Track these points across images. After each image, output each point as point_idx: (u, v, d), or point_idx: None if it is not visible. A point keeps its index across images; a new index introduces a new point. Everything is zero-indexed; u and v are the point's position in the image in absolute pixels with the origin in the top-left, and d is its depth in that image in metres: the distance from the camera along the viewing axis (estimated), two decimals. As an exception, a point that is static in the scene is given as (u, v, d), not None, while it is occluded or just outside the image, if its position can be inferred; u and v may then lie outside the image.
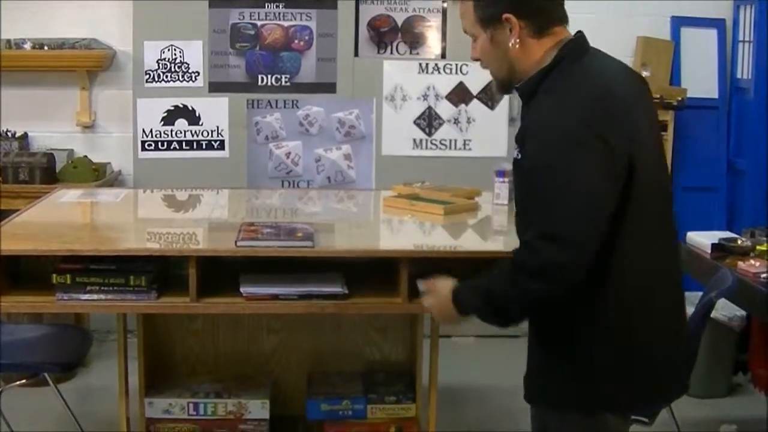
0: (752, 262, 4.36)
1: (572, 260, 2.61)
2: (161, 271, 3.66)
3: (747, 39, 6.40)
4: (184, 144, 6.20)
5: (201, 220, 4.57)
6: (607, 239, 2.65)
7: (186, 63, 6.13)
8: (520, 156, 2.82)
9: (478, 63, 2.96)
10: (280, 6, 6.17)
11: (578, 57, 2.79)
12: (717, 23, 6.58)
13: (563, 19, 2.85)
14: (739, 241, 4.70)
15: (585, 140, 2.60)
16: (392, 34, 6.27)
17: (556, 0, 2.86)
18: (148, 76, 6.13)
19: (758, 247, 4.56)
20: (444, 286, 3.01)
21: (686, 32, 6.51)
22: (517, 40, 2.79)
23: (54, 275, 3.55)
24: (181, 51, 6.12)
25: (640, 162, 2.67)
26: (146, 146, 6.17)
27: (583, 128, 2.61)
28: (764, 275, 4.19)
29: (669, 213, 2.88)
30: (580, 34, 2.86)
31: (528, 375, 2.97)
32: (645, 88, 2.94)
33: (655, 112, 2.97)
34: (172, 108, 6.16)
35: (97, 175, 5.98)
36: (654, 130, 2.89)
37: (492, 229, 4.54)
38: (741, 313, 5.30)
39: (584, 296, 2.69)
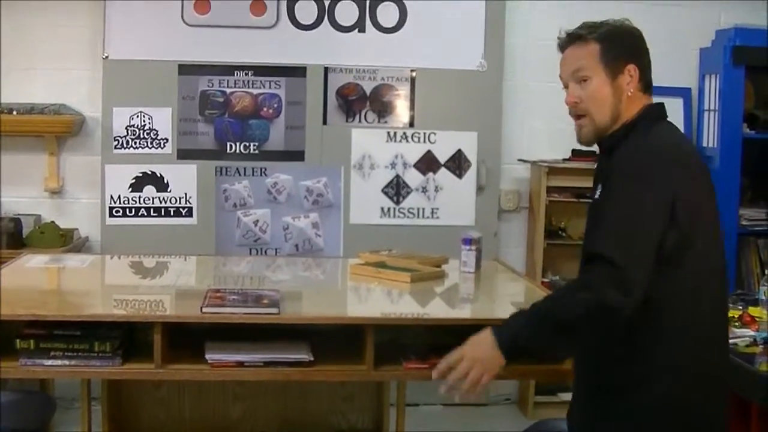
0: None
1: (629, 305, 2.72)
2: (126, 337, 3.63)
3: (712, 108, 6.47)
4: (152, 210, 6.19)
5: (168, 286, 4.55)
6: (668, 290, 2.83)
7: (155, 129, 6.15)
8: (598, 196, 2.99)
9: (571, 108, 3.11)
10: (249, 74, 6.21)
11: (657, 120, 3.06)
12: (683, 92, 6.65)
13: (651, 86, 3.11)
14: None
15: (646, 185, 2.81)
16: (361, 103, 6.31)
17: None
18: (116, 142, 6.13)
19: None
20: (476, 338, 3.00)
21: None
22: (632, 89, 3.02)
23: (18, 340, 3.52)
24: (150, 117, 6.14)
25: (700, 224, 2.87)
26: (114, 212, 6.16)
27: (646, 175, 2.82)
28: (731, 341, 4.19)
29: (720, 273, 3.03)
30: (662, 104, 3.12)
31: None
32: (707, 166, 3.11)
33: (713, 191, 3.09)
34: (141, 174, 6.17)
35: (64, 240, 5.96)
36: (714, 199, 3.03)
37: (459, 296, 4.54)
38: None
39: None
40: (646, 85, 3.06)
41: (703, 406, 2.92)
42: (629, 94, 3.00)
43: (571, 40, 3.08)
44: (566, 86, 3.11)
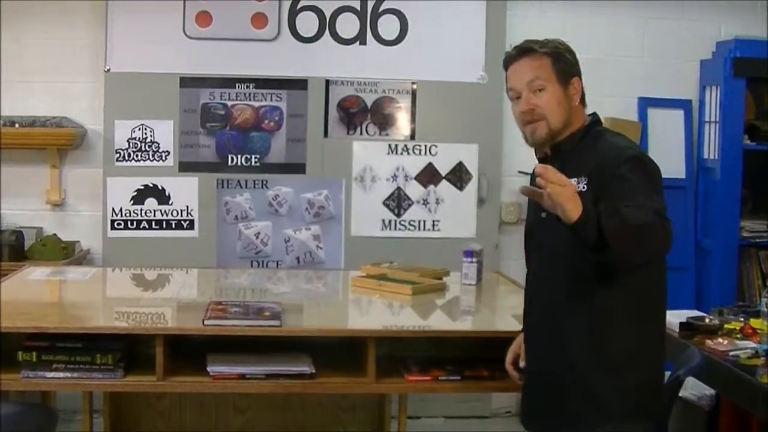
0: (720, 340, 4.37)
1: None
2: (128, 349, 3.65)
3: (713, 119, 6.47)
4: (153, 223, 6.19)
5: (169, 299, 4.56)
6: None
7: (156, 142, 6.15)
8: (586, 188, 3.11)
9: (527, 114, 3.28)
10: (251, 86, 6.21)
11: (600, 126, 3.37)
12: (683, 104, 6.65)
13: None
14: (707, 320, 4.72)
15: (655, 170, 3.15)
16: (362, 115, 6.31)
17: None
18: (118, 155, 6.14)
19: (726, 326, 4.57)
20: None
21: (653, 113, 6.58)
22: (576, 101, 3.29)
23: (20, 353, 3.53)
24: (152, 130, 6.15)
25: None
26: (116, 225, 6.16)
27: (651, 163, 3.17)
28: (732, 353, 4.20)
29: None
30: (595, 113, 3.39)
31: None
32: None
33: None
34: (142, 187, 6.17)
35: (65, 253, 5.96)
36: None
37: (460, 309, 4.55)
38: (710, 392, 5.29)
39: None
40: (582, 98, 3.33)
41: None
42: (575, 104, 3.28)
43: (523, 53, 3.29)
44: (518, 96, 3.29)
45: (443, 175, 6.37)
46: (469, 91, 6.32)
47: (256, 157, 6.24)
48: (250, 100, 6.23)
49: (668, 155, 6.47)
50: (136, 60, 6.12)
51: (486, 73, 6.30)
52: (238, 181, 6.24)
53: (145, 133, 6.15)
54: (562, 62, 3.27)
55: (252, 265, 6.21)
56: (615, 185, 3.04)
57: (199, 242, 6.20)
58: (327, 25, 6.22)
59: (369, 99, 6.31)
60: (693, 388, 5.27)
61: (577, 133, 3.28)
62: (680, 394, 4.57)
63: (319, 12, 6.22)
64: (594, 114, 3.35)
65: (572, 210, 2.82)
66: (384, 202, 6.34)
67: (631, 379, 3.14)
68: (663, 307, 3.32)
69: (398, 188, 6.35)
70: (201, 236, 6.22)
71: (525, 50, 3.29)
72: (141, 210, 6.18)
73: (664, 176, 3.18)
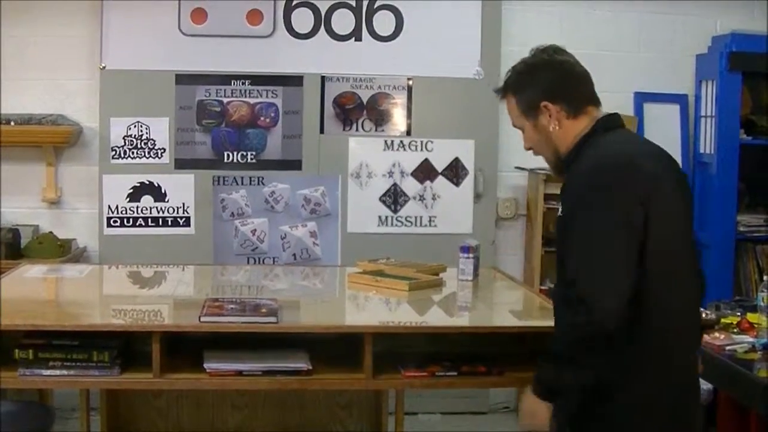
0: (717, 334, 4.38)
1: (598, 321, 2.83)
2: (125, 347, 3.64)
3: (709, 114, 6.47)
4: (149, 220, 6.19)
5: (166, 296, 4.55)
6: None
7: (152, 139, 6.15)
8: (561, 213, 3.13)
9: (531, 151, 3.32)
10: (246, 83, 6.21)
11: (609, 130, 3.14)
12: (679, 99, 6.66)
13: (594, 101, 3.20)
14: (704, 315, 4.72)
15: (605, 200, 2.91)
16: (358, 112, 6.31)
17: (586, 84, 3.21)
18: (114, 152, 6.14)
19: (723, 320, 4.58)
20: (526, 399, 3.15)
21: (649, 108, 6.59)
22: (557, 123, 3.15)
23: (16, 350, 3.52)
24: (148, 127, 6.14)
25: (660, 228, 2.92)
26: (112, 223, 6.16)
27: (603, 190, 2.93)
28: (729, 348, 4.20)
29: (690, 276, 3.12)
30: (615, 114, 3.21)
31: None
32: (676, 166, 3.20)
33: (685, 186, 3.20)
34: (138, 184, 6.17)
35: (62, 251, 5.96)
36: (683, 201, 3.11)
37: (457, 304, 4.54)
38: (708, 386, 5.29)
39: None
40: (576, 107, 3.15)
41: (675, 408, 3.03)
42: (553, 128, 3.16)
43: (500, 95, 3.32)
44: None
45: (439, 170, 6.36)
46: (465, 87, 6.32)
47: (252, 154, 6.24)
48: (245, 96, 6.22)
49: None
50: (132, 57, 6.12)
51: (482, 68, 6.30)
52: (234, 178, 6.23)
53: (141, 131, 6.14)
54: (526, 92, 3.21)
55: (248, 262, 6.22)
56: (563, 236, 3.06)
57: (196, 239, 6.20)
58: (322, 21, 6.22)
59: (365, 95, 6.31)
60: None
61: (572, 152, 3.16)
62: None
63: (314, 8, 6.22)
64: (603, 118, 3.17)
65: (542, 417, 3.07)
66: (380, 199, 6.34)
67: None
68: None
69: (394, 184, 6.35)
70: (197, 233, 6.22)
71: (499, 92, 3.32)
72: (137, 207, 6.17)
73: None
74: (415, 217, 6.37)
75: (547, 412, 3.06)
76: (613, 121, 3.18)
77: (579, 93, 3.17)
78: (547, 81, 3.17)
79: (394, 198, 6.34)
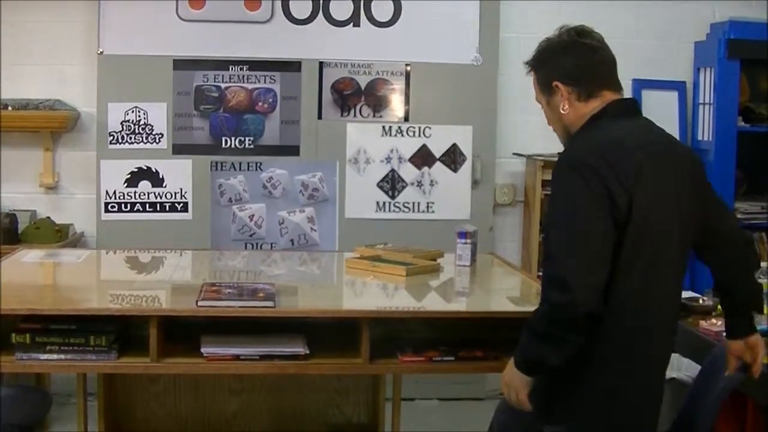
0: (714, 321, 4.39)
1: (572, 300, 2.86)
2: (122, 331, 3.64)
3: (707, 101, 6.48)
4: (147, 206, 6.19)
5: (163, 281, 4.55)
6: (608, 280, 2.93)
7: (150, 125, 6.14)
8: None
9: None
10: (244, 69, 6.20)
11: (616, 117, 3.13)
12: (677, 86, 6.66)
13: (612, 86, 3.20)
14: (701, 301, 4.74)
15: (585, 183, 2.92)
16: (356, 97, 6.30)
17: (604, 67, 3.19)
18: (111, 137, 6.13)
19: (720, 307, 4.58)
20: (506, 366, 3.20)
21: (647, 95, 6.58)
22: (566, 104, 3.17)
23: (13, 335, 3.52)
24: (145, 113, 6.13)
25: (645, 214, 2.94)
26: (109, 208, 6.15)
27: (585, 172, 2.93)
28: (725, 334, 4.20)
29: (675, 269, 3.14)
30: (629, 99, 3.27)
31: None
32: (684, 156, 3.22)
33: (696, 178, 3.21)
34: (136, 170, 6.16)
35: (59, 236, 5.96)
36: (683, 193, 3.11)
37: (454, 290, 4.55)
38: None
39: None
40: (588, 91, 3.16)
41: (634, 406, 3.11)
42: (563, 110, 3.19)
43: (527, 70, 3.32)
44: None
45: (437, 156, 6.36)
46: (463, 73, 6.31)
47: (249, 140, 6.23)
48: (243, 82, 6.21)
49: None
50: (130, 42, 6.10)
51: (480, 54, 6.30)
52: (232, 164, 6.23)
53: (139, 116, 6.13)
54: (543, 70, 3.24)
55: (246, 248, 6.21)
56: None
57: (193, 225, 6.20)
58: (320, 6, 6.21)
59: (363, 81, 6.30)
60: (687, 369, 5.27)
61: (577, 133, 3.19)
62: (674, 375, 4.58)
63: (312, -7, 6.22)
64: (612, 102, 3.16)
65: (521, 386, 3.12)
66: (378, 184, 6.33)
67: None
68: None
69: (392, 170, 6.34)
70: (195, 219, 6.21)
71: (527, 66, 3.32)
72: (135, 193, 6.17)
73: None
74: (413, 203, 6.37)
75: (525, 386, 3.10)
76: (624, 106, 3.19)
77: (592, 77, 3.16)
78: (562, 62, 3.19)
79: (391, 184, 6.34)
